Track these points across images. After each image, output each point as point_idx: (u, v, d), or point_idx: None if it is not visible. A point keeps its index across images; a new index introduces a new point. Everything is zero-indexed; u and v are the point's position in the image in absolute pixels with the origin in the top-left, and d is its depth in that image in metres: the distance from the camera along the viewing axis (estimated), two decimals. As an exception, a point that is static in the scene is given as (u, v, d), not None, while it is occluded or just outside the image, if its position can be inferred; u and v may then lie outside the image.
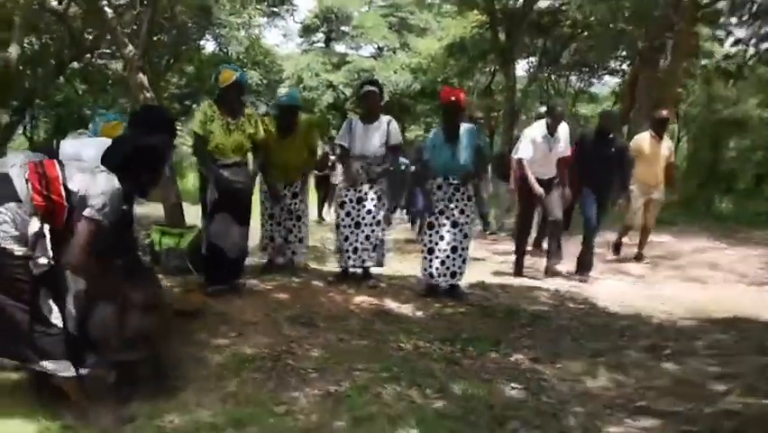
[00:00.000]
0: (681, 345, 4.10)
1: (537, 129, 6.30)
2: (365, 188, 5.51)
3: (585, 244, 6.45)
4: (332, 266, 6.06)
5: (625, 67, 19.72)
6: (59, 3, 10.66)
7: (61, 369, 2.67)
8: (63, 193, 2.63)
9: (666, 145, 7.34)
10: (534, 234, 7.60)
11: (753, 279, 6.52)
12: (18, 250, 2.55)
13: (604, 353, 3.91)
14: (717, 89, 16.75)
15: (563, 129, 6.30)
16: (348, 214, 5.54)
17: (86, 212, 2.59)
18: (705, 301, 5.41)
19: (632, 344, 4.14)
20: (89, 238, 2.61)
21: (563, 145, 6.29)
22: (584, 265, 6.43)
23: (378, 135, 5.49)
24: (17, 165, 2.66)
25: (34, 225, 2.57)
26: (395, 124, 5.60)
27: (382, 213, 5.64)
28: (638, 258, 7.42)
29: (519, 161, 6.27)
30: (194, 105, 17.67)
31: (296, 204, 5.81)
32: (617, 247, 7.51)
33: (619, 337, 4.29)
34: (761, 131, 17.51)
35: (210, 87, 5.38)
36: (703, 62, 14.73)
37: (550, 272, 6.43)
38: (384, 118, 5.56)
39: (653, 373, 3.56)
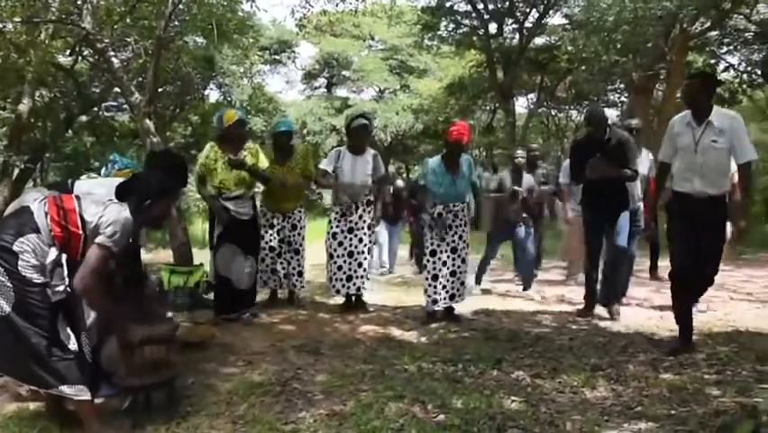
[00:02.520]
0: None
1: (680, 116, 4.26)
2: (355, 217, 5.70)
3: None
4: (338, 299, 6.16)
5: (624, 98, 19.98)
6: (70, 55, 11.04)
7: (77, 393, 2.78)
8: (79, 223, 2.79)
9: None
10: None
11: (757, 296, 6.54)
12: (37, 278, 2.70)
13: (604, 367, 3.96)
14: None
15: (724, 116, 4.09)
16: (340, 244, 5.71)
17: (98, 239, 2.75)
18: (709, 319, 5.44)
19: (632, 359, 4.19)
20: (97, 263, 2.75)
21: (726, 141, 4.01)
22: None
23: (365, 167, 5.71)
24: (37, 199, 2.83)
25: (52, 254, 2.73)
26: (379, 158, 5.86)
27: (372, 240, 5.89)
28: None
29: (661, 165, 4.46)
30: (199, 154, 18.11)
31: (294, 236, 5.93)
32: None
33: (620, 353, 4.34)
34: (765, 156, 17.56)
35: (213, 130, 5.57)
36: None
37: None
38: (371, 151, 5.78)
39: (652, 383, 3.62)
